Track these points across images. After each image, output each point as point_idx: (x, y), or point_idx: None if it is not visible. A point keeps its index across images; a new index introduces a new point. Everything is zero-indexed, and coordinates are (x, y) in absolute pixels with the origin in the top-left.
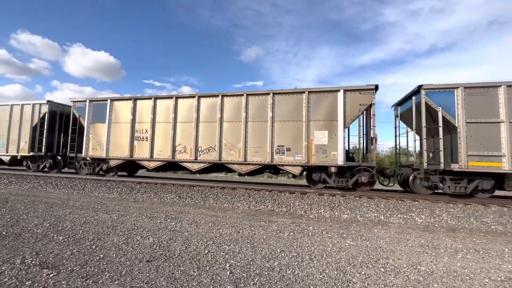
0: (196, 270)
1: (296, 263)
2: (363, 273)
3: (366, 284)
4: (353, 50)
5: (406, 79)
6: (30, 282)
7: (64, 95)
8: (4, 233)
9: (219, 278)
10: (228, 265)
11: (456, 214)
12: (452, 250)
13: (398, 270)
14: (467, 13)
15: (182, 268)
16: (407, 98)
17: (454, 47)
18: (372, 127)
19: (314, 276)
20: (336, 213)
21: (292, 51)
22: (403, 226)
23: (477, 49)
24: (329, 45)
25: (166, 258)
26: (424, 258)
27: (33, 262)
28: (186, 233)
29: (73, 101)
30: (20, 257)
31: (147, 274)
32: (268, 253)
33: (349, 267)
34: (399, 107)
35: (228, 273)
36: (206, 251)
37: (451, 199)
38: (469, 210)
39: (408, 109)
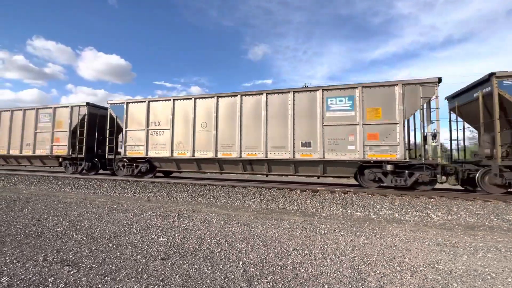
0: (210, 268)
1: (309, 262)
2: (378, 271)
3: (381, 283)
4: (364, 45)
5: (420, 73)
6: (52, 279)
7: (78, 98)
8: (27, 231)
9: (232, 276)
10: (241, 263)
11: (475, 211)
12: (471, 249)
13: (414, 269)
14: (484, 2)
15: (196, 266)
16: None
17: (471, 38)
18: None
19: (328, 274)
20: (349, 211)
21: (302, 48)
22: (419, 224)
23: (497, 39)
24: (339, 41)
25: (180, 256)
26: (442, 257)
27: (54, 259)
28: (199, 232)
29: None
30: (43, 254)
31: (163, 272)
32: (280, 251)
33: (363, 266)
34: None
35: (241, 271)
36: (219, 249)
37: (470, 196)
38: (489, 207)
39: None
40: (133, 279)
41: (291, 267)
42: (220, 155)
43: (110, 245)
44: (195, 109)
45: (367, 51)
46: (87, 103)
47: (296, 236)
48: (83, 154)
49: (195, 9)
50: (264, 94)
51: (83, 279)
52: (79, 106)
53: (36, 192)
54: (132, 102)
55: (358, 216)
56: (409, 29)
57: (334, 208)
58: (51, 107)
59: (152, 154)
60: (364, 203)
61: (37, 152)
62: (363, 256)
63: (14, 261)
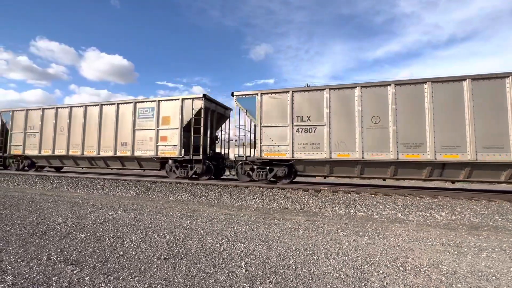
0: (212, 268)
1: (311, 261)
2: (381, 272)
3: (385, 283)
4: (367, 44)
5: (422, 72)
6: (56, 277)
7: (82, 98)
8: (31, 231)
9: (235, 275)
10: (243, 262)
11: (479, 211)
12: (476, 249)
13: (418, 269)
14: (487, 1)
15: (198, 265)
16: None
17: (475, 37)
18: None
19: (331, 274)
20: (352, 211)
21: (304, 48)
22: (422, 224)
23: (501, 38)
24: (342, 40)
25: (183, 255)
26: (446, 257)
27: (58, 258)
28: (202, 231)
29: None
30: (46, 254)
31: (165, 271)
32: (283, 251)
33: (366, 266)
34: None
35: (243, 270)
36: (222, 249)
37: (474, 196)
38: (494, 207)
39: None
40: (136, 279)
41: (294, 267)
42: (402, 157)
43: (113, 244)
44: (361, 100)
45: (369, 50)
46: (204, 95)
47: (299, 236)
48: (200, 155)
49: (197, 9)
50: (469, 80)
51: (86, 278)
52: (193, 98)
53: (40, 191)
54: (267, 93)
55: (360, 216)
56: (412, 28)
57: (337, 208)
58: (154, 100)
59: (299, 155)
60: (367, 203)
61: (137, 154)
62: (366, 256)
63: (19, 260)
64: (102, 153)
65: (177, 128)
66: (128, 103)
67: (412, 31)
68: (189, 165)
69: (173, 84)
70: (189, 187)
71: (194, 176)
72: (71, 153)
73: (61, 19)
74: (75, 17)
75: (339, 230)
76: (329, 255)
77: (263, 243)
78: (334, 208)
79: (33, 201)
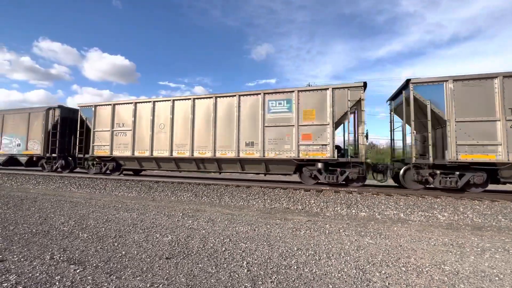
0: (214, 268)
1: (313, 261)
2: (383, 272)
3: (387, 284)
4: (369, 44)
5: (425, 71)
6: (59, 277)
7: (84, 99)
8: (34, 230)
9: (236, 275)
10: (245, 262)
11: (482, 212)
12: (478, 249)
13: (420, 269)
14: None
15: (200, 265)
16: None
17: (478, 36)
18: None
19: (333, 274)
20: (353, 211)
21: (306, 48)
22: (425, 224)
23: (504, 36)
24: (343, 40)
25: (184, 255)
26: (448, 257)
27: (61, 258)
28: (203, 231)
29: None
30: (49, 253)
31: (167, 271)
32: (285, 251)
33: (368, 266)
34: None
35: (245, 270)
36: (223, 248)
37: (476, 196)
38: (497, 207)
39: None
40: (138, 278)
41: (295, 267)
42: None
43: (115, 244)
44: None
45: (371, 49)
46: (364, 83)
47: (300, 236)
48: (362, 157)
49: (199, 9)
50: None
51: (89, 277)
52: (348, 88)
53: (43, 191)
54: (461, 80)
55: (362, 216)
56: (414, 27)
57: (339, 208)
58: (290, 91)
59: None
60: (369, 203)
61: (269, 155)
62: (368, 256)
63: (22, 259)
64: (218, 154)
65: (328, 124)
66: (254, 94)
67: (415, 30)
68: (338, 169)
69: (175, 84)
70: (191, 187)
71: (342, 182)
72: (176, 154)
73: (63, 19)
74: (77, 18)
75: (341, 230)
76: (331, 255)
77: (264, 243)
78: (336, 208)
79: (36, 200)
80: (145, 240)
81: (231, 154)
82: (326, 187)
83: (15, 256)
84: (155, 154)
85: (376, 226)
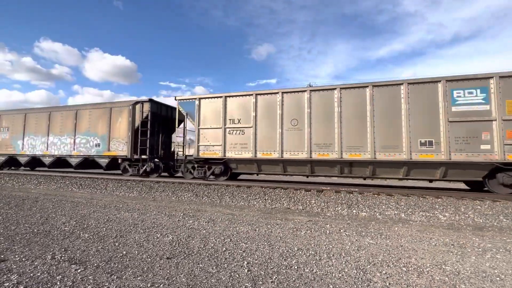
0: (214, 268)
1: (314, 262)
2: (384, 272)
3: (387, 284)
4: (370, 44)
5: (426, 71)
6: (60, 277)
7: (85, 99)
8: (35, 230)
9: (237, 275)
10: (245, 262)
11: (484, 212)
12: (480, 250)
13: (421, 269)
14: None
15: (201, 265)
16: None
17: (480, 35)
18: None
19: (333, 274)
20: (354, 211)
21: (307, 48)
22: (426, 224)
23: (506, 36)
24: (344, 40)
25: (185, 255)
26: (449, 258)
27: (62, 258)
28: (204, 231)
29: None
30: (51, 253)
31: (168, 271)
32: (285, 251)
33: (369, 266)
34: None
35: (246, 270)
36: (224, 248)
37: (478, 196)
38: (498, 207)
39: None
40: (139, 278)
41: (296, 267)
42: None
43: (116, 244)
44: None
45: (372, 49)
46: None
47: (301, 236)
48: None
49: (200, 9)
50: None
51: (90, 277)
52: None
53: (44, 191)
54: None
55: (363, 216)
56: (415, 27)
57: (339, 208)
58: (486, 77)
59: None
60: (370, 203)
61: (456, 157)
62: (368, 256)
63: (23, 259)
64: (379, 156)
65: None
66: (432, 81)
67: (416, 30)
68: None
69: (176, 84)
70: (191, 187)
71: None
72: (316, 156)
73: (64, 20)
74: (78, 18)
75: (341, 230)
76: (331, 255)
77: (265, 243)
78: (337, 208)
79: (37, 200)
80: (146, 240)
81: (397, 156)
82: (327, 187)
83: (16, 256)
84: (286, 156)
85: (377, 226)
